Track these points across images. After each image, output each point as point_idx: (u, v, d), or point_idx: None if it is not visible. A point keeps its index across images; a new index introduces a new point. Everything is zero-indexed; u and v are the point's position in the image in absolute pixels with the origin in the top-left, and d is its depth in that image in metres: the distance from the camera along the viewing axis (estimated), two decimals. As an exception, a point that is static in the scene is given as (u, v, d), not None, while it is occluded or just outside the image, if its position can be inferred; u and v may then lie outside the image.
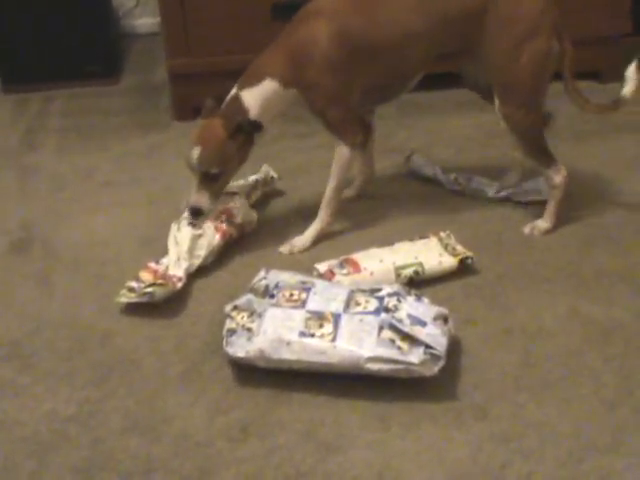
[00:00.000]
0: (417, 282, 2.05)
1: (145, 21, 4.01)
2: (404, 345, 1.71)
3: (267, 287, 1.90)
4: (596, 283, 2.07)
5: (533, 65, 2.12)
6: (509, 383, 1.76)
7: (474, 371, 1.80)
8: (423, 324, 1.74)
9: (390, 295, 1.82)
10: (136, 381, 1.82)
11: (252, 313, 1.84)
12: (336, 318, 1.77)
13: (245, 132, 2.13)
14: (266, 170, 2.52)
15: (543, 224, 2.27)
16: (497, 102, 2.16)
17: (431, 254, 2.10)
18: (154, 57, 3.63)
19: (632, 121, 2.88)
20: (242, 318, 1.84)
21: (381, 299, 1.81)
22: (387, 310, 1.77)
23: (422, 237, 2.17)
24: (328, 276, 2.02)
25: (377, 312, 1.77)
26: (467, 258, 2.10)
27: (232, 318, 1.85)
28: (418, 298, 1.85)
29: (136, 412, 1.74)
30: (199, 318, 2.02)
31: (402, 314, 1.76)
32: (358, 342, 1.72)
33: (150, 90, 3.42)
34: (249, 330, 1.80)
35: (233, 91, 2.16)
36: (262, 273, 1.95)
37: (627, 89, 2.13)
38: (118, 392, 1.79)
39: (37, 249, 2.37)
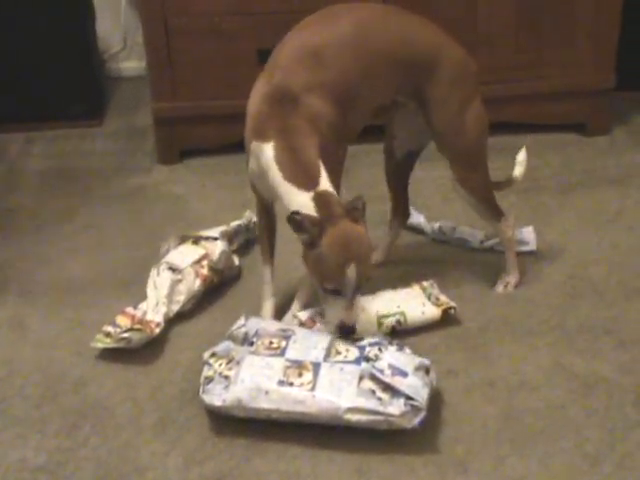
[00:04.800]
0: (399, 332, 2.02)
1: (131, 64, 4.01)
2: (384, 396, 1.69)
3: (246, 334, 1.87)
4: (579, 336, 2.05)
5: (477, 126, 2.12)
6: (490, 436, 1.73)
7: (455, 423, 1.77)
8: (404, 375, 1.72)
9: (371, 344, 1.80)
10: (109, 429, 1.78)
11: (230, 360, 1.81)
12: (316, 367, 1.74)
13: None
14: (249, 216, 2.51)
15: (512, 278, 2.26)
16: (452, 168, 2.15)
17: (414, 303, 2.08)
18: (139, 100, 3.62)
19: (615, 174, 2.90)
20: (220, 365, 1.81)
21: (362, 348, 1.78)
22: (368, 360, 1.75)
23: (405, 286, 2.15)
24: (309, 324, 1.99)
25: (358, 361, 1.75)
26: (450, 308, 2.09)
27: (210, 365, 1.82)
28: (400, 348, 1.82)
29: (108, 462, 1.69)
30: (176, 365, 1.98)
31: (383, 364, 1.74)
32: (337, 392, 1.69)
33: (134, 133, 3.40)
34: (226, 378, 1.77)
35: (308, 195, 1.82)
36: (242, 320, 1.93)
37: (517, 172, 2.27)
38: (90, 441, 1.75)
39: (13, 292, 2.32)
